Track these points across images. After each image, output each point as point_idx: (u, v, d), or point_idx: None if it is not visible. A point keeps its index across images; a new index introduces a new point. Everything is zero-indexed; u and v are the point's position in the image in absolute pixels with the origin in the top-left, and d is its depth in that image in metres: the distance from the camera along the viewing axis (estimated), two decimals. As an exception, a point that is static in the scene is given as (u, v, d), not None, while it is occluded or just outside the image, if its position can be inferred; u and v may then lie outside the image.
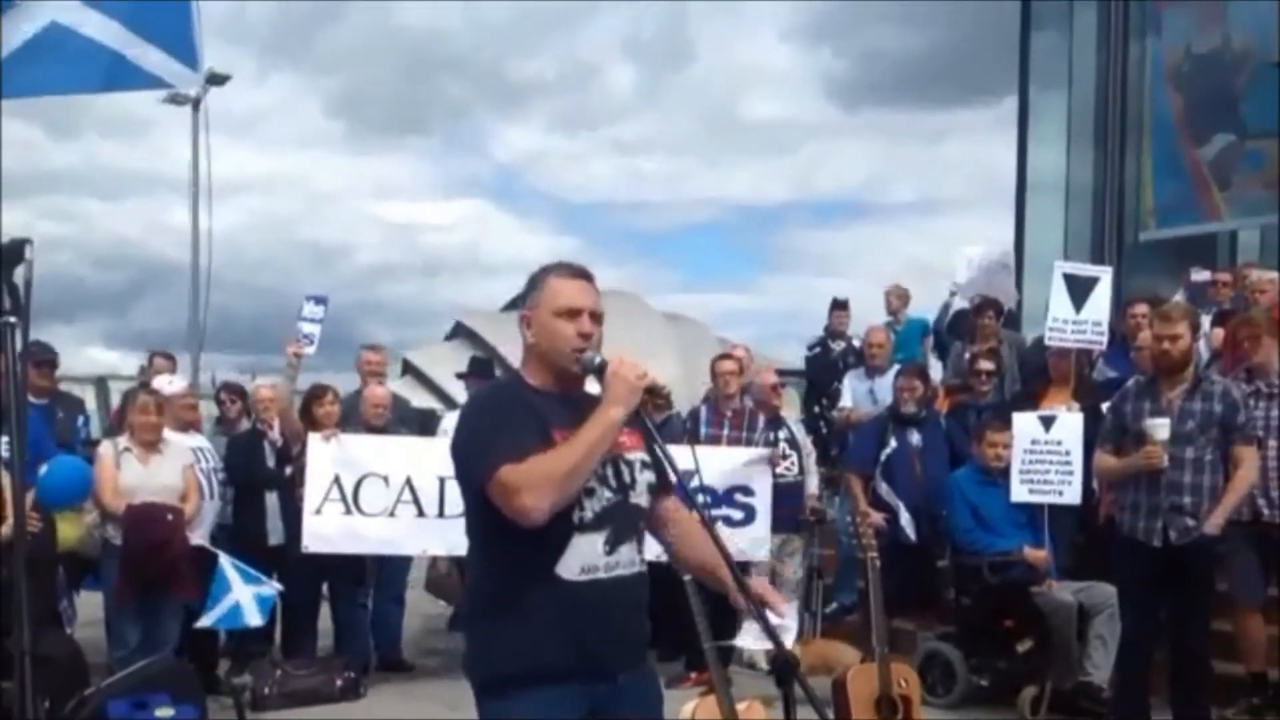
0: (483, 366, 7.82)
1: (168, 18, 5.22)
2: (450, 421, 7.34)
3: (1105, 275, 6.67)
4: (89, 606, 6.66)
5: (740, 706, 3.92)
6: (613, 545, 2.44)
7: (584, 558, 2.40)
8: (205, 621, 5.52)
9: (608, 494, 2.45)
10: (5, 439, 4.95)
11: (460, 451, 2.49)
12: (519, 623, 2.41)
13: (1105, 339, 6.67)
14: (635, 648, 2.54)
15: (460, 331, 26.35)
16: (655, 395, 2.50)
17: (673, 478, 2.60)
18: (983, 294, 8.77)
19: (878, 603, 4.37)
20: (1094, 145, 12.42)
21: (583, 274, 2.54)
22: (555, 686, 2.39)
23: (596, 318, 2.49)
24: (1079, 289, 6.46)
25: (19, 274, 1.93)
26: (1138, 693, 4.90)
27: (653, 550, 2.59)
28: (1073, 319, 6.43)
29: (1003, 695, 5.83)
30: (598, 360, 2.43)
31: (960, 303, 9.28)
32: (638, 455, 2.51)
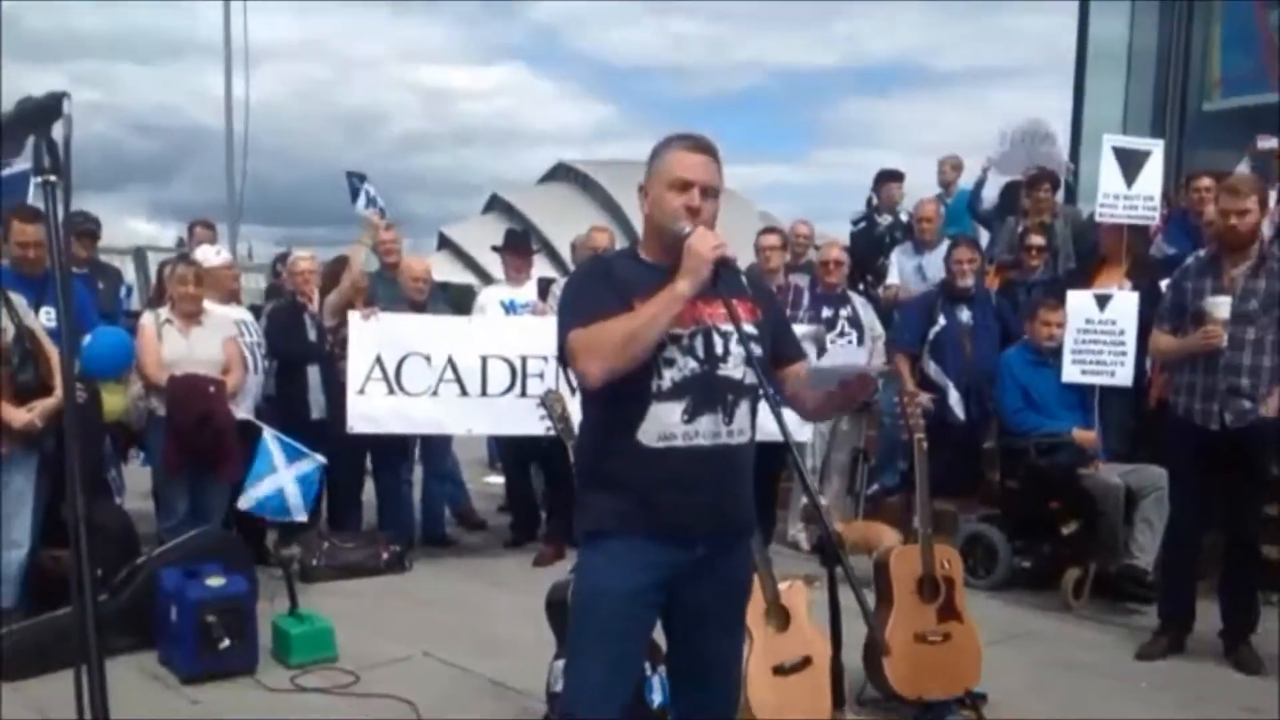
0: (519, 240, 7.67)
1: None
2: (486, 297, 7.31)
3: (1157, 148, 6.46)
4: (137, 477, 6.79)
5: (783, 586, 3.91)
6: (691, 415, 2.46)
7: (662, 425, 2.45)
8: (245, 504, 5.56)
9: (692, 364, 2.46)
10: (50, 310, 5.01)
11: (557, 319, 2.57)
12: (605, 485, 2.53)
13: (1157, 214, 6.50)
14: (716, 518, 2.53)
15: (497, 204, 26.21)
16: (726, 268, 2.40)
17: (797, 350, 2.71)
18: (1024, 168, 8.49)
19: (923, 484, 4.30)
20: (1159, 11, 11.82)
21: (701, 146, 2.51)
22: (633, 544, 2.48)
23: (709, 192, 2.48)
24: (1130, 163, 6.30)
25: (57, 130, 1.81)
26: (1184, 576, 4.86)
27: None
28: (1124, 194, 6.27)
29: (1046, 578, 5.83)
30: (685, 230, 2.40)
31: (995, 177, 9.03)
32: (749, 327, 2.49)
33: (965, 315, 6.51)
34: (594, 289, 2.52)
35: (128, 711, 3.94)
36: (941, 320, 6.50)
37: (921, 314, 6.66)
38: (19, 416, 4.39)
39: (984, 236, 8.65)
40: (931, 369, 6.48)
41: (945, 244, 7.50)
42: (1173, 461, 5.03)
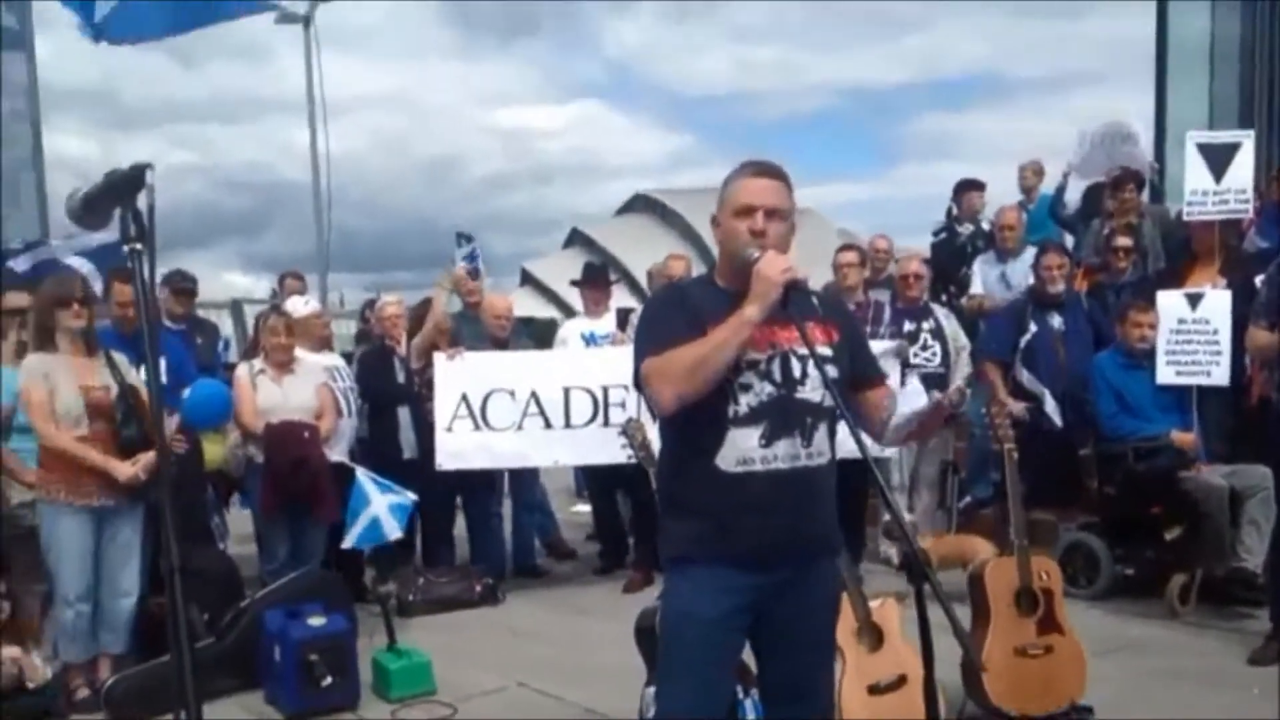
0: (597, 274, 7.75)
1: None
2: (567, 330, 7.39)
3: (1246, 140, 6.29)
4: (240, 523, 7.00)
5: (874, 604, 3.87)
6: (769, 439, 2.47)
7: (739, 450, 2.47)
8: (348, 542, 5.69)
9: (769, 389, 2.48)
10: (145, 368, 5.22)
11: (633, 347, 2.62)
12: (685, 510, 2.56)
13: (1250, 207, 6.31)
14: (796, 540, 2.53)
15: (576, 238, 26.52)
16: (796, 291, 2.42)
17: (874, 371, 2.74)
18: (1105, 169, 8.31)
19: (1015, 494, 4.22)
20: (1241, 6, 11.53)
21: (765, 171, 2.56)
22: (715, 569, 2.50)
23: (774, 214, 2.51)
24: (1217, 157, 6.16)
25: (141, 200, 1.93)
26: (1298, 578, 4.67)
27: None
28: (1213, 189, 6.13)
29: (1151, 585, 5.65)
30: (754, 256, 2.43)
31: (1077, 181, 8.86)
32: (824, 350, 2.51)
33: (1057, 321, 6.40)
34: (667, 316, 2.56)
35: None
36: (1033, 327, 6.40)
37: (1011, 322, 6.55)
38: (124, 470, 4.57)
39: (1068, 241, 8.48)
40: (1025, 377, 6.37)
41: (1029, 251, 7.38)
42: (1277, 460, 4.85)
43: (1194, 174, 6.19)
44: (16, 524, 4.91)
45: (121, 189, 1.92)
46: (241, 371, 5.95)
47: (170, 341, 5.90)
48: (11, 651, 4.74)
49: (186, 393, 5.42)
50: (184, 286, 6.99)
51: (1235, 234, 6.64)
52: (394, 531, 5.73)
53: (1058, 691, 3.98)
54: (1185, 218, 6.46)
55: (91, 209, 1.98)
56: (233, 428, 5.95)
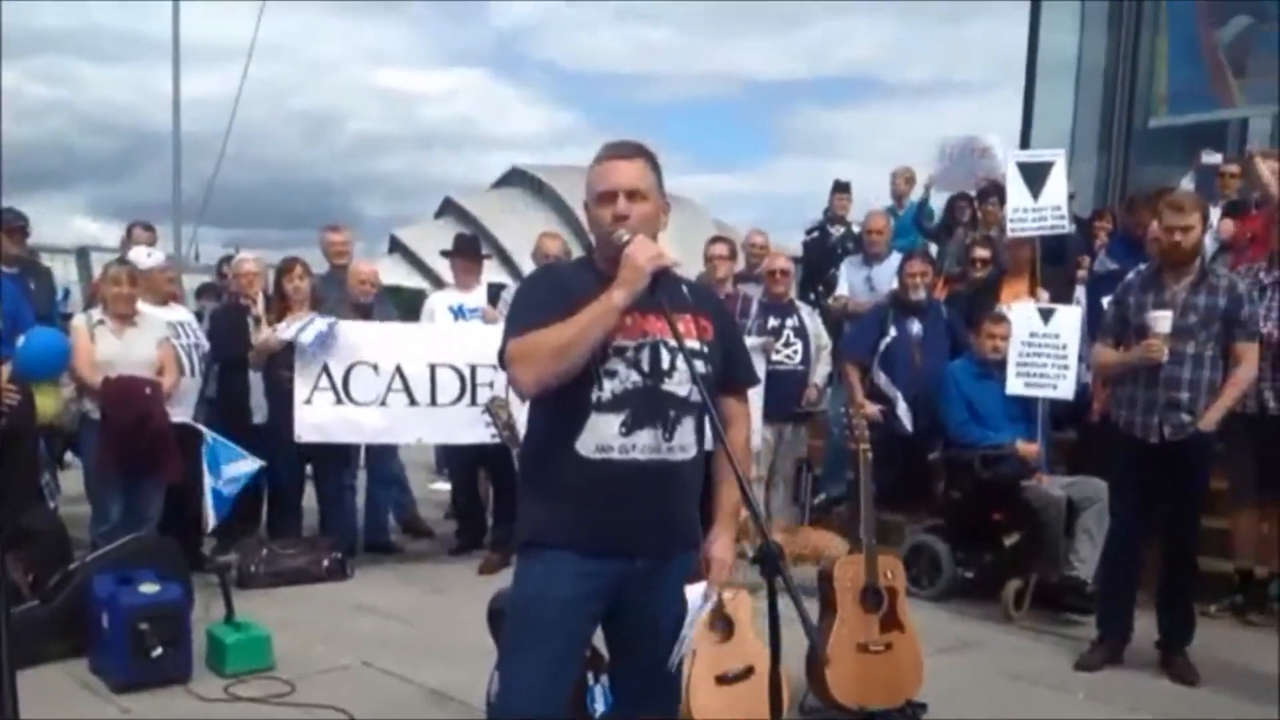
0: (470, 244, 7.61)
1: None
2: (435, 302, 7.23)
3: (1059, 158, 6.55)
4: (72, 481, 6.64)
5: (726, 595, 3.89)
6: (630, 428, 2.43)
7: (600, 437, 2.43)
8: (213, 523, 5.61)
9: (634, 377, 2.44)
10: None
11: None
12: (544, 493, 2.52)
13: (1066, 222, 6.57)
14: (654, 533, 2.50)
15: (449, 208, 26.09)
16: (666, 278, 2.38)
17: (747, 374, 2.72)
18: (966, 182, 8.64)
19: (867, 494, 4.31)
20: (1108, 26, 12.03)
21: (623, 153, 2.50)
22: (570, 555, 2.46)
23: (634, 195, 2.45)
24: (1034, 176, 6.39)
25: (-19, 135, 1.77)
26: (1123, 588, 4.89)
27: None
28: (1032, 207, 6.37)
29: (987, 588, 5.86)
30: (624, 239, 2.38)
31: (937, 194, 9.18)
32: (694, 344, 2.47)
33: (916, 327, 6.56)
34: (537, 297, 2.51)
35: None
36: (892, 331, 6.54)
37: (873, 325, 6.70)
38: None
39: (932, 250, 8.74)
40: (881, 380, 6.52)
41: (895, 256, 7.57)
42: (1114, 474, 5.08)
43: (1015, 192, 6.41)
44: None
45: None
46: (79, 321, 5.65)
47: (5, 286, 5.54)
48: None
49: (21, 340, 5.11)
50: (16, 225, 6.58)
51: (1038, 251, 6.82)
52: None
53: (895, 688, 4.08)
54: (1009, 235, 6.68)
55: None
56: (68, 380, 5.63)
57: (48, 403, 5.76)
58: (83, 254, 13.79)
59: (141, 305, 5.68)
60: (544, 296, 2.49)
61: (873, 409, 6.15)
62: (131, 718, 4.10)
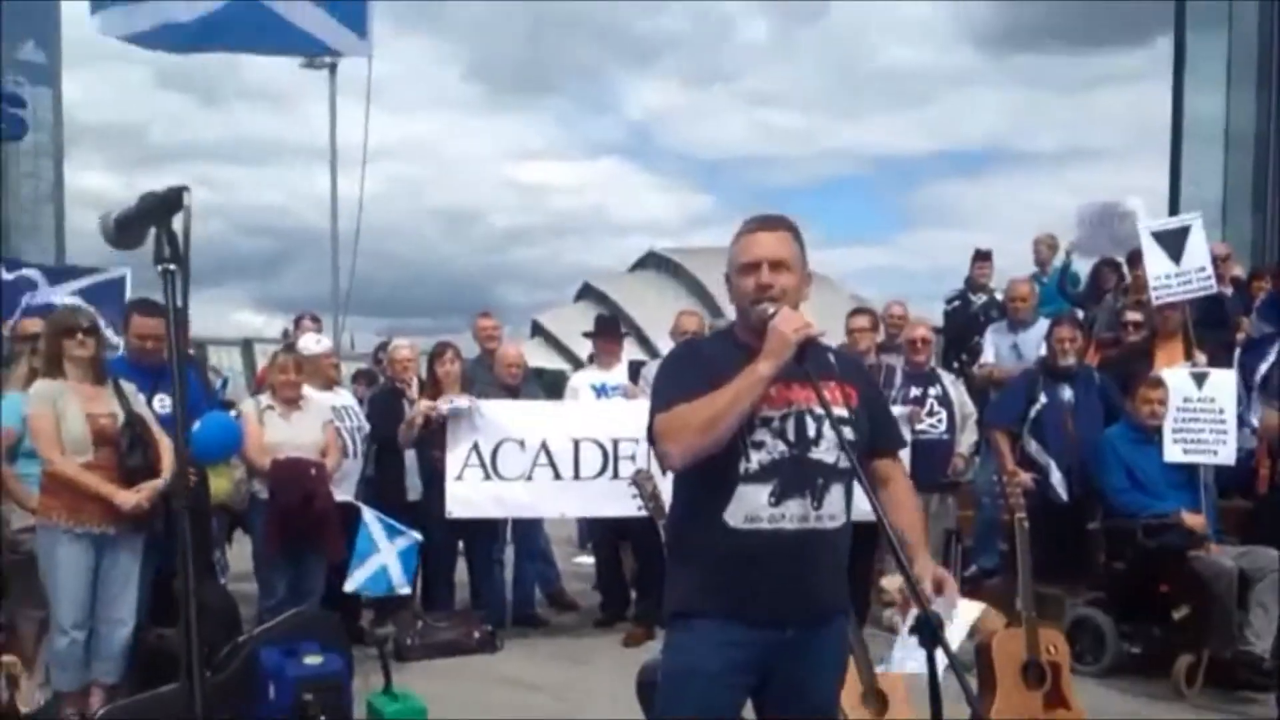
0: (608, 325, 7.78)
1: None
2: (578, 381, 7.40)
3: (1195, 221, 6.52)
4: (240, 559, 6.95)
5: (879, 670, 3.83)
6: (779, 498, 2.45)
7: (748, 507, 2.45)
8: (351, 585, 5.69)
9: (781, 447, 2.46)
10: (163, 396, 5.22)
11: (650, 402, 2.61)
12: (692, 564, 2.54)
13: (1213, 283, 6.50)
14: (802, 602, 2.50)
15: (588, 292, 26.62)
16: (813, 348, 2.42)
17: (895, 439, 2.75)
18: (1108, 247, 8.46)
19: (1025, 565, 4.19)
20: (1256, 87, 11.68)
21: (767, 225, 2.56)
22: (720, 625, 2.47)
23: (779, 266, 2.50)
24: (1172, 242, 6.44)
25: (177, 222, 1.95)
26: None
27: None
28: (1175, 272, 6.38)
29: (1156, 664, 5.57)
30: (769, 311, 2.42)
31: (1079, 261, 9.04)
32: (841, 410, 2.47)
33: (1067, 394, 6.38)
34: (682, 372, 2.57)
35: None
36: (1043, 398, 6.39)
37: (1021, 392, 6.55)
38: (127, 498, 4.55)
39: (1080, 315, 8.53)
40: (1033, 448, 6.35)
41: (1042, 322, 7.41)
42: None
43: (1153, 261, 6.48)
44: (16, 549, 4.88)
45: (157, 211, 1.95)
46: (248, 407, 5.96)
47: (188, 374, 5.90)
48: (9, 659, 4.69)
49: (196, 425, 5.42)
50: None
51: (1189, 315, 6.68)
52: (402, 586, 5.74)
53: (1063, 767, 3.92)
54: (1155, 302, 6.64)
55: (125, 229, 1.99)
56: (238, 462, 5.94)
57: (220, 483, 6.08)
58: (247, 345, 14.61)
59: (306, 390, 5.97)
60: (688, 371, 2.54)
61: (1027, 478, 5.98)
62: (297, 786, 4.23)
